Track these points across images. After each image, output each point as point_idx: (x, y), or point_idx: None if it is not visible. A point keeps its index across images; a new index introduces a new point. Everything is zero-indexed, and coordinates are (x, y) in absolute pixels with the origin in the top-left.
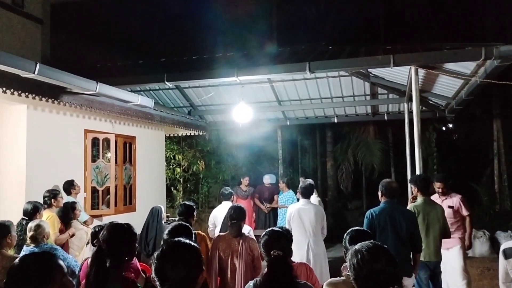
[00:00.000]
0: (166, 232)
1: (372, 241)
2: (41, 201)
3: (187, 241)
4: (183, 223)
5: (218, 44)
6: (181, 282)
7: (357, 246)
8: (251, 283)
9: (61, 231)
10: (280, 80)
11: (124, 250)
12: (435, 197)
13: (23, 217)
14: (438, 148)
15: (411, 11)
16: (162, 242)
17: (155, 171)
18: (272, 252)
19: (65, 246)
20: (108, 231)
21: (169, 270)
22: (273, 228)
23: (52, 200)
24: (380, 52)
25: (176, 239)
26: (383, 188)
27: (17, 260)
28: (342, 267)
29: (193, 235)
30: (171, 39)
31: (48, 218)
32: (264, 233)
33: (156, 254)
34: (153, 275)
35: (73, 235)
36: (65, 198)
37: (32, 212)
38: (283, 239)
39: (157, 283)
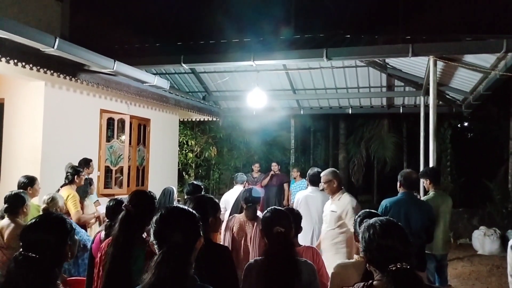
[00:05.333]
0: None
1: (387, 217)
2: (57, 178)
3: (185, 207)
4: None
5: (235, 29)
6: (179, 245)
7: (371, 220)
8: (252, 260)
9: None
10: (295, 68)
11: (149, 215)
12: None
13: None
14: (453, 145)
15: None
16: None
17: (168, 154)
18: (274, 229)
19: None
20: (136, 196)
21: (167, 233)
22: (275, 206)
23: (75, 177)
24: (398, 41)
25: (175, 204)
26: (402, 178)
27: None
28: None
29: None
30: (188, 24)
31: (70, 197)
32: (265, 211)
33: (155, 218)
34: (151, 238)
35: (98, 218)
36: None
37: (24, 185)
38: (284, 217)
39: (156, 246)
